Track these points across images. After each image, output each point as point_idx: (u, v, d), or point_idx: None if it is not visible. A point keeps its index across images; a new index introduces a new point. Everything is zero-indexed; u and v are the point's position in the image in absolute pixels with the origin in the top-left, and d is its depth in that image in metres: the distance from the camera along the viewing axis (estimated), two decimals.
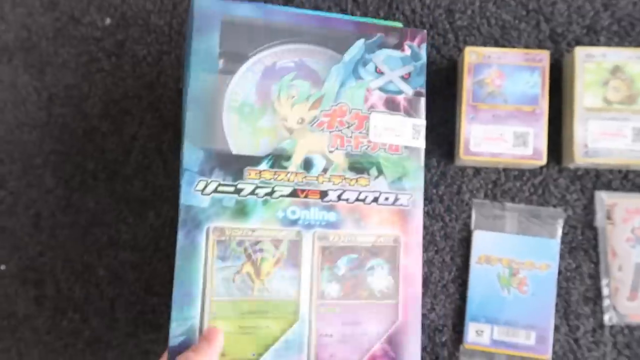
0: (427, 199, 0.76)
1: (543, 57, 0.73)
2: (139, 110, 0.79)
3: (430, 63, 0.78)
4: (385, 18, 0.79)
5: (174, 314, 0.59)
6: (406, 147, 0.66)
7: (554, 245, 0.75)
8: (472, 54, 0.74)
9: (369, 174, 0.65)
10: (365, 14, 0.79)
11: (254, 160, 0.62)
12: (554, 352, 0.74)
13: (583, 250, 0.76)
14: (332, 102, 0.65)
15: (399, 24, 0.69)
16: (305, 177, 0.64)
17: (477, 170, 0.77)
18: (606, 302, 0.74)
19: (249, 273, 0.62)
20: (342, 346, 0.63)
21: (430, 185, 0.77)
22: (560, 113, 0.76)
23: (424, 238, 0.76)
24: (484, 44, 0.79)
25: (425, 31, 0.68)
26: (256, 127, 0.63)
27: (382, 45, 0.67)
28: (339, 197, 0.64)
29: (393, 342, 0.64)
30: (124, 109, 0.79)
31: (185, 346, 0.59)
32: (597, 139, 0.72)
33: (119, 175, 0.78)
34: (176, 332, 0.59)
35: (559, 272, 0.75)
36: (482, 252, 0.75)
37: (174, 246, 0.60)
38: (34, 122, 0.80)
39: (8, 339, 0.77)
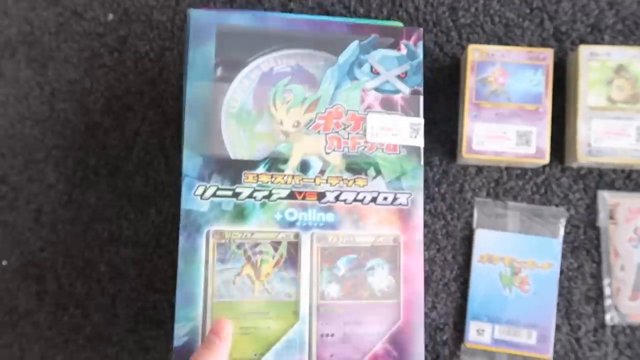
0: (429, 198, 0.76)
1: (547, 55, 0.73)
2: (141, 106, 0.79)
3: (433, 61, 0.78)
4: (388, 15, 0.79)
5: (177, 315, 0.61)
6: (404, 147, 0.66)
7: (556, 244, 0.75)
8: (475, 52, 0.73)
9: (366, 175, 0.65)
10: (368, 12, 0.79)
11: (251, 165, 0.64)
12: (555, 352, 0.74)
13: (585, 250, 0.75)
14: (328, 105, 0.66)
15: (399, 24, 0.69)
16: (302, 179, 0.64)
17: (480, 169, 0.77)
18: (608, 302, 0.74)
19: (249, 275, 0.63)
20: (343, 346, 0.63)
21: (432, 183, 0.77)
22: (564, 112, 0.76)
23: (425, 236, 0.76)
24: (488, 42, 0.78)
25: (421, 29, 0.68)
26: (253, 132, 0.65)
27: (377, 46, 0.67)
28: (337, 198, 0.64)
29: (395, 342, 0.64)
30: (126, 104, 0.79)
31: (189, 346, 0.61)
32: (600, 138, 0.71)
33: (120, 171, 0.78)
34: (180, 332, 0.61)
35: (561, 272, 0.75)
36: (484, 250, 0.75)
37: (175, 243, 0.62)
38: (36, 116, 0.80)
39: (9, 334, 0.77)
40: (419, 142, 0.67)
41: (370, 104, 0.66)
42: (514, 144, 0.72)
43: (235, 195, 0.63)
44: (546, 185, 0.76)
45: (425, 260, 0.75)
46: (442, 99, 0.77)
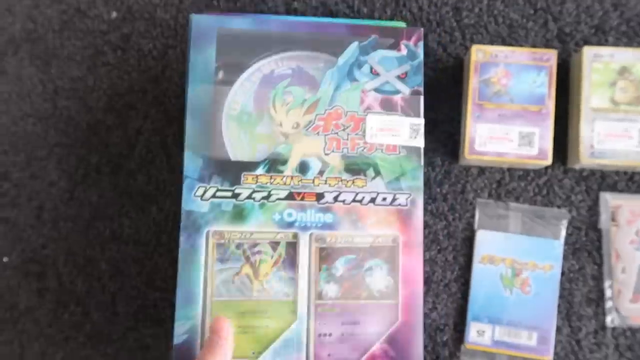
0: (431, 198, 0.76)
1: (550, 56, 0.73)
2: (144, 104, 0.79)
3: (436, 61, 0.78)
4: (392, 15, 0.79)
5: (177, 313, 0.62)
6: (404, 147, 0.66)
7: (558, 246, 0.74)
8: (478, 53, 0.73)
9: (365, 175, 0.65)
10: (371, 12, 0.79)
11: (251, 166, 0.65)
12: (556, 354, 0.74)
13: (586, 252, 0.75)
14: (327, 106, 0.66)
15: (402, 24, 0.69)
16: (301, 180, 0.65)
17: (482, 170, 0.77)
18: (609, 304, 0.74)
19: (248, 274, 0.64)
20: (341, 345, 0.64)
21: (434, 184, 0.76)
22: (567, 113, 0.76)
23: (426, 237, 0.75)
24: (491, 43, 0.78)
25: (422, 29, 0.68)
26: (254, 133, 0.65)
27: (376, 47, 0.67)
28: (335, 199, 0.65)
29: (393, 342, 0.64)
30: (129, 102, 0.79)
31: (189, 344, 0.62)
32: (603, 140, 0.71)
33: (122, 169, 0.78)
34: (180, 330, 0.62)
35: (562, 273, 0.75)
36: (485, 251, 0.75)
37: (176, 241, 0.63)
38: (39, 114, 0.80)
39: (10, 330, 0.77)
40: (419, 142, 0.67)
41: (369, 105, 0.66)
42: (517, 145, 0.72)
43: (235, 196, 0.64)
44: (548, 187, 0.76)
45: (426, 260, 0.75)
46: (444, 99, 0.77)
